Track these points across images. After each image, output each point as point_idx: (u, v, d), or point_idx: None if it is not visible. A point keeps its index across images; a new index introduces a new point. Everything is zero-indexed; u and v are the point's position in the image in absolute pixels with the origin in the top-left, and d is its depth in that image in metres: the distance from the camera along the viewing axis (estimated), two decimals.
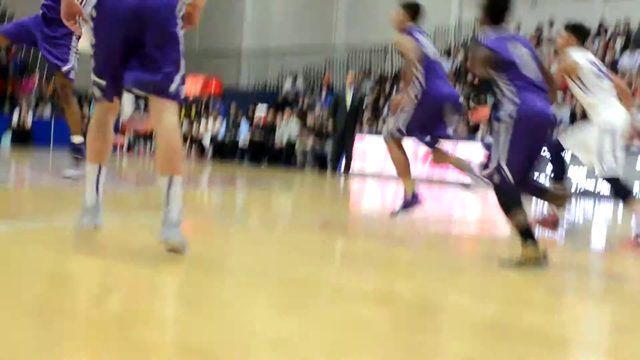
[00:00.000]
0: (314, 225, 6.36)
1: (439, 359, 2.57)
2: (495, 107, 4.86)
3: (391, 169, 7.18)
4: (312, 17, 26.25)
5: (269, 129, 20.06)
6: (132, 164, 16.59)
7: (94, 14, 3.88)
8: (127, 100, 19.08)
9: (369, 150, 16.48)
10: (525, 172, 4.78)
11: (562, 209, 5.94)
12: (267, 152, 19.76)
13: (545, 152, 5.58)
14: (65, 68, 7.02)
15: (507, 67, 4.73)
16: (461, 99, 6.80)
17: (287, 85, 24.31)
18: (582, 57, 6.31)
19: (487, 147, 13.03)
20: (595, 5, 19.87)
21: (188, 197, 8.08)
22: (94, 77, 4.03)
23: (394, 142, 6.47)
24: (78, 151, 7.19)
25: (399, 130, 6.38)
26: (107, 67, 3.99)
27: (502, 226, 6.27)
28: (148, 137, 21.30)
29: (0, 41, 7.21)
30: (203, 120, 21.80)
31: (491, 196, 4.98)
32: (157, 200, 3.94)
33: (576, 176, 13.11)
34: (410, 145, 6.90)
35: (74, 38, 6.97)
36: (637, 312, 3.73)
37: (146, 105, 3.85)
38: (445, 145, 6.62)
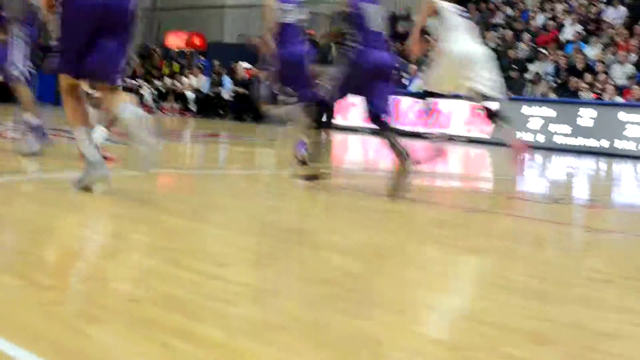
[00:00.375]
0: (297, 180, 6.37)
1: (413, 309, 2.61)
2: None
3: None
4: None
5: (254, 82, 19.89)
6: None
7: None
8: None
9: (351, 105, 16.36)
10: None
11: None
12: (251, 107, 19.61)
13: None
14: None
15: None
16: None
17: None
18: None
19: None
20: None
21: (171, 149, 8.09)
22: None
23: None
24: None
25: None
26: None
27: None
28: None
29: None
30: (186, 78, 21.59)
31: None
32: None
33: None
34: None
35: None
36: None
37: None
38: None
